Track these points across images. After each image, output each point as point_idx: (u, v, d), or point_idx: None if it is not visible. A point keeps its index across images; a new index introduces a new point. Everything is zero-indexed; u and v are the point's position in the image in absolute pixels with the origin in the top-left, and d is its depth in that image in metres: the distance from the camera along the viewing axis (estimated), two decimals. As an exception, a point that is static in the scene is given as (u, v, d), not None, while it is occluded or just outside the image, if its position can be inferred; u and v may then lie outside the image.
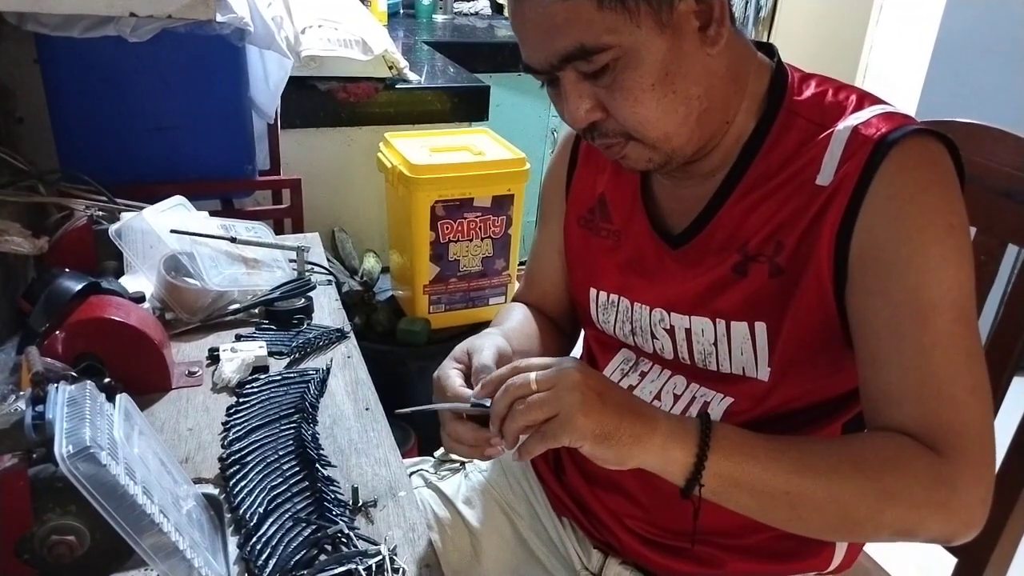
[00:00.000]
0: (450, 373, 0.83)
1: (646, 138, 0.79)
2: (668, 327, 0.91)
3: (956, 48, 2.62)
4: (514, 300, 1.16)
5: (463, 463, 1.13)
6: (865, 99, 0.82)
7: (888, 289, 0.75)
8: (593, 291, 0.99)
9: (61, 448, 0.63)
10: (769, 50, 0.88)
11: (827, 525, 0.74)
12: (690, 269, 0.88)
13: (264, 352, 1.12)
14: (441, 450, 1.16)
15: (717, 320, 0.86)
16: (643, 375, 0.96)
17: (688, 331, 0.89)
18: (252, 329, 1.22)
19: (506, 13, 3.42)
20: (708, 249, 0.87)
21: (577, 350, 1.12)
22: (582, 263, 1.02)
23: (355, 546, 0.82)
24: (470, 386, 0.80)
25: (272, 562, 0.79)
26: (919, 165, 0.75)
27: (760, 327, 0.83)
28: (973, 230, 0.97)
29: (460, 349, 0.87)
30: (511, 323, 1.03)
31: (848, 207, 0.76)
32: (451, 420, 0.79)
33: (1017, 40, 2.62)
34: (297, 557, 0.80)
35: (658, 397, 0.93)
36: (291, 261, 1.37)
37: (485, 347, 0.84)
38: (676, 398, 0.92)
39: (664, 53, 0.74)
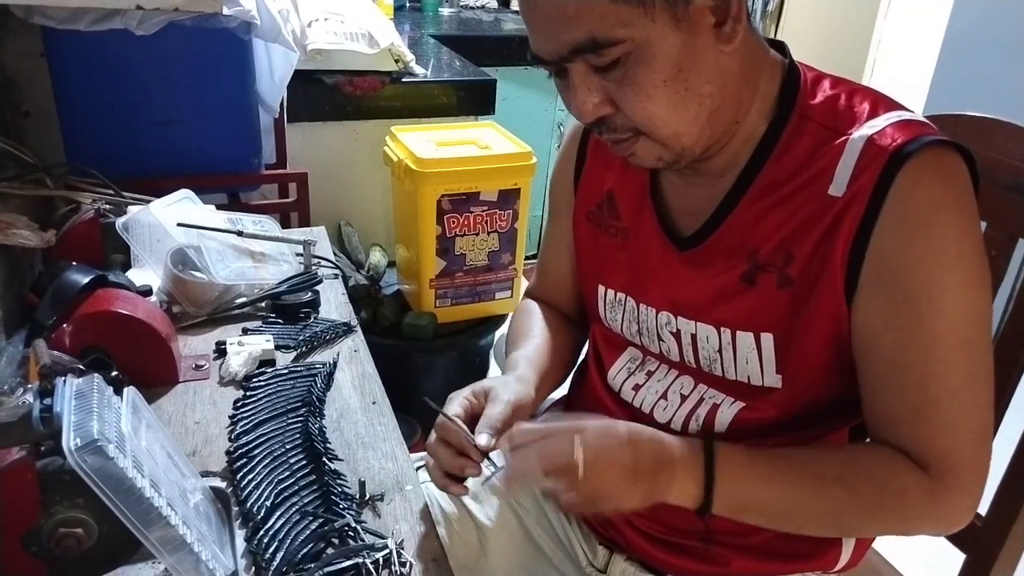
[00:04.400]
0: (454, 406, 0.86)
1: (656, 135, 0.77)
2: (674, 330, 0.90)
3: (965, 42, 2.61)
4: (527, 294, 1.16)
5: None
6: (880, 104, 0.80)
7: (892, 315, 0.75)
8: (601, 288, 0.99)
9: (69, 441, 0.63)
10: (780, 48, 0.86)
11: (824, 532, 0.85)
12: (697, 272, 0.87)
13: (271, 346, 1.12)
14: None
15: (722, 329, 0.85)
16: (650, 375, 0.95)
17: (694, 336, 0.88)
18: (259, 323, 1.22)
19: (513, 6, 3.41)
20: (717, 254, 0.85)
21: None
22: (590, 259, 1.01)
23: (362, 540, 0.82)
24: (471, 425, 0.84)
25: (279, 555, 0.79)
26: (934, 182, 0.74)
27: (766, 338, 0.82)
28: (983, 224, 0.96)
29: (480, 386, 0.88)
30: (534, 342, 1.03)
31: (862, 221, 0.75)
32: (437, 443, 0.84)
33: (1027, 34, 2.61)
34: (304, 550, 0.80)
35: (664, 397, 0.93)
36: (298, 255, 1.37)
37: (501, 398, 0.86)
38: (683, 398, 0.91)
39: (678, 49, 0.72)
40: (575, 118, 0.81)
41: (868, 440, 0.84)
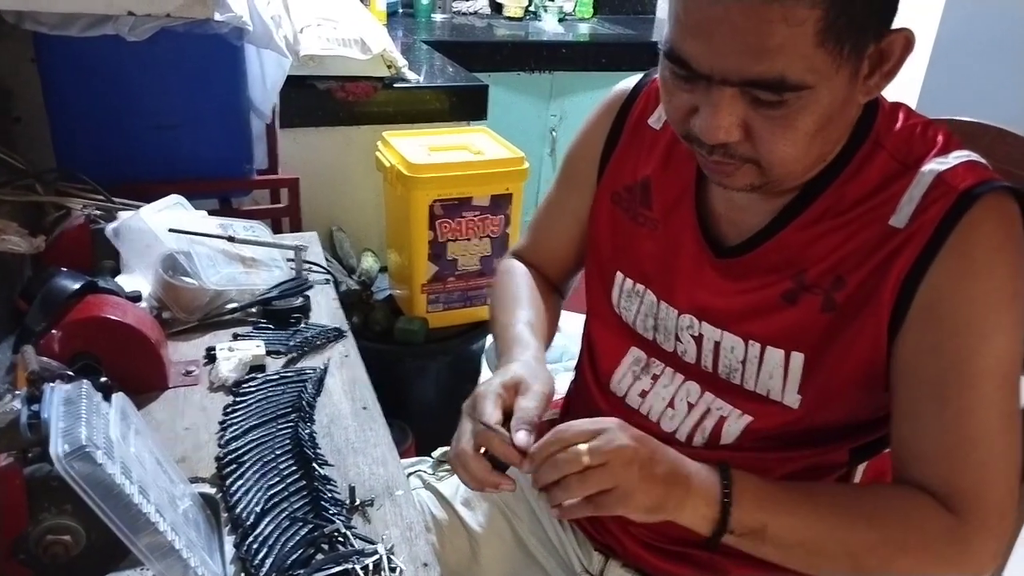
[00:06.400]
0: (488, 406, 0.79)
1: (771, 170, 0.74)
2: (696, 334, 0.89)
3: (955, 46, 2.62)
4: (513, 254, 1.14)
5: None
6: (952, 142, 0.79)
7: (941, 349, 0.75)
8: (620, 275, 0.97)
9: (57, 447, 0.63)
10: None
11: (841, 571, 0.79)
12: (732, 283, 0.86)
13: (262, 351, 1.11)
14: (439, 450, 1.15)
15: (751, 342, 0.84)
16: (655, 379, 0.94)
17: (717, 344, 0.87)
18: (249, 328, 1.21)
19: (505, 12, 3.41)
20: (757, 268, 0.84)
21: (571, 346, 1.11)
22: (611, 242, 0.98)
23: (352, 545, 0.82)
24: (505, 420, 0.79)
25: (269, 561, 0.79)
26: (998, 226, 0.74)
27: (797, 357, 0.82)
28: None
29: (510, 379, 0.82)
30: (534, 311, 1.00)
31: (921, 255, 0.75)
32: (470, 455, 0.78)
33: (1017, 38, 2.62)
34: (294, 556, 0.80)
35: (671, 405, 0.92)
36: (289, 260, 1.36)
37: (533, 389, 0.81)
38: (690, 407, 0.91)
39: (840, 101, 0.70)
40: (686, 131, 0.76)
41: (892, 476, 0.82)
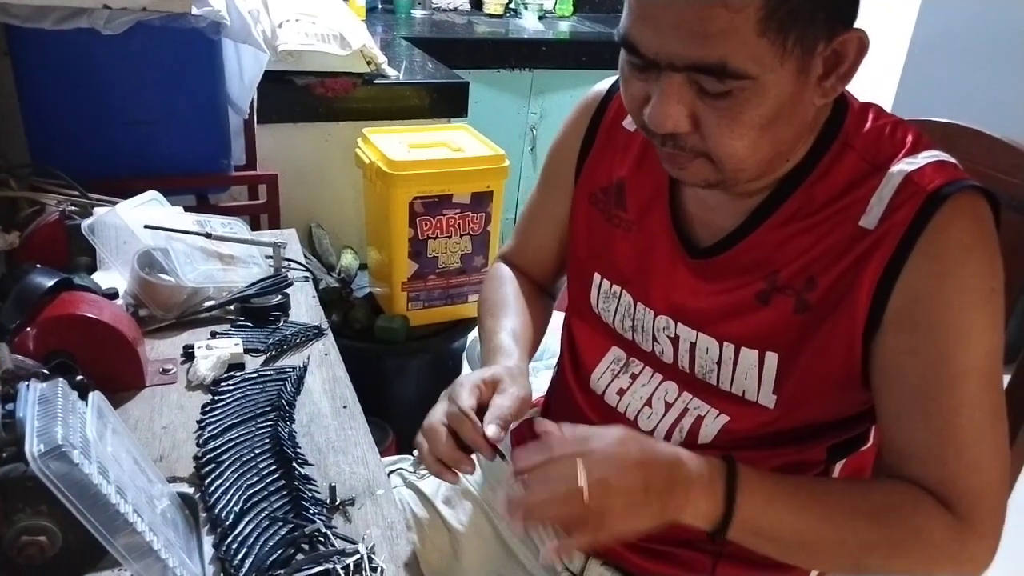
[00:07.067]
0: (464, 393, 0.84)
1: (721, 164, 0.75)
2: (672, 335, 0.89)
3: (931, 47, 2.66)
4: (500, 257, 1.15)
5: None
6: (920, 142, 0.80)
7: (922, 349, 0.75)
8: (597, 277, 0.97)
9: (32, 447, 0.62)
10: None
11: (839, 567, 0.79)
12: (706, 283, 0.86)
13: (240, 349, 1.11)
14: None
15: (725, 343, 0.85)
16: (634, 378, 0.95)
17: (693, 344, 0.88)
18: (228, 326, 1.20)
19: (486, 8, 3.41)
20: (731, 269, 0.84)
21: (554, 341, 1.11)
22: (587, 244, 0.99)
23: (332, 545, 0.82)
24: (480, 414, 0.83)
25: (248, 561, 0.78)
26: (966, 227, 0.75)
27: (771, 357, 0.82)
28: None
29: (490, 375, 0.87)
30: (519, 319, 1.02)
31: (893, 257, 0.75)
32: (439, 431, 0.82)
33: (991, 41, 2.66)
34: (274, 556, 0.79)
35: (649, 404, 0.92)
36: (267, 257, 1.35)
37: (509, 391, 0.85)
38: (668, 406, 0.91)
39: (787, 97, 0.71)
40: (640, 122, 0.77)
41: (883, 472, 0.82)
